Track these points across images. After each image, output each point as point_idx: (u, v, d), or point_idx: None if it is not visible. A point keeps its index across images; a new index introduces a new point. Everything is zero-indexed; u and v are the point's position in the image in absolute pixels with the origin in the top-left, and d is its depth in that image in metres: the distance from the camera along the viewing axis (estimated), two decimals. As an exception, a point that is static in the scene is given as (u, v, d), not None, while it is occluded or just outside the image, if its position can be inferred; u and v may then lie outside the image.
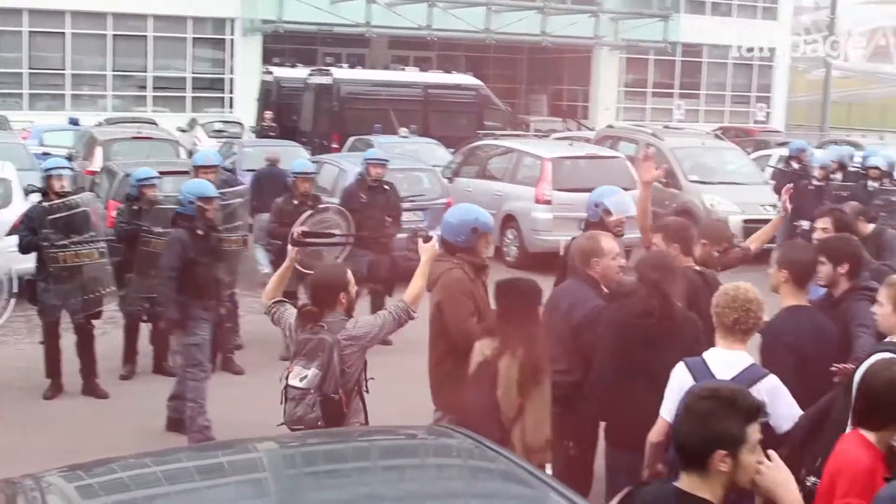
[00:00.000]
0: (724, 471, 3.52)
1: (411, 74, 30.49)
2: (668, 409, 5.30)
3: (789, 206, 8.75)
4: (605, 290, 6.66)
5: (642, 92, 46.88)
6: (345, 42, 41.58)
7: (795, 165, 16.44)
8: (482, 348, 5.99)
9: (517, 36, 41.06)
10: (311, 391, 5.93)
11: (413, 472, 4.26)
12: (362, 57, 39.37)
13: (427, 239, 6.40)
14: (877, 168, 14.86)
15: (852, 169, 16.24)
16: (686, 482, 3.58)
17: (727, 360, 5.26)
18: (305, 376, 5.96)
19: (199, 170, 11.36)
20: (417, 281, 6.33)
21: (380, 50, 42.65)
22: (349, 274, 6.41)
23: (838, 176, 15.70)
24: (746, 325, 5.29)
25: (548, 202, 17.05)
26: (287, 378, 6.06)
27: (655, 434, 5.40)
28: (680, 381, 5.26)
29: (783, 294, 6.11)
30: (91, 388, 10.33)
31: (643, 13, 42.94)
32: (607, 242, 6.79)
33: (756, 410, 3.60)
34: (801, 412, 5.17)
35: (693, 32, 44.21)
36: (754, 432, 3.57)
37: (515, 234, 17.61)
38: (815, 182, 15.14)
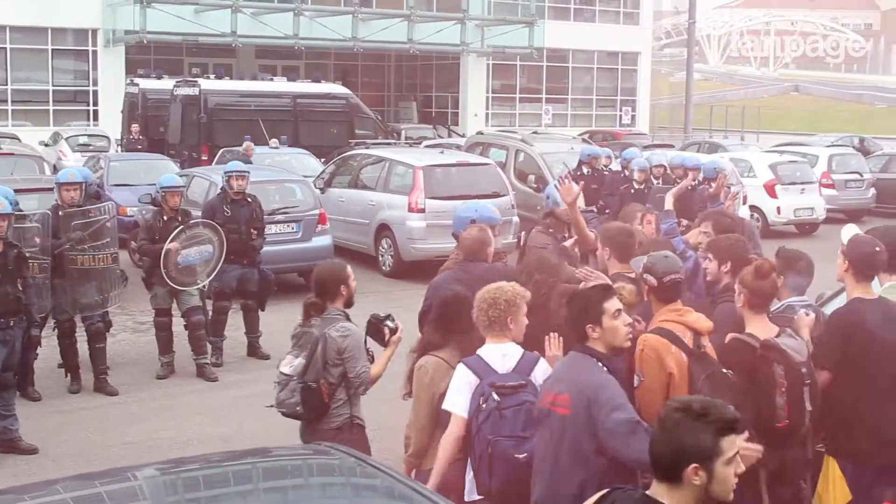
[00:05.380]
0: (698, 484, 3.49)
1: (280, 84, 30.30)
2: (451, 404, 5.62)
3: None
4: None
5: (511, 97, 47.46)
6: (211, 52, 41.16)
7: (586, 171, 17.51)
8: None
9: (384, 44, 41.16)
10: (294, 378, 6.44)
11: (295, 493, 4.24)
12: (229, 67, 38.99)
13: (394, 331, 6.64)
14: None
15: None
16: (656, 490, 3.58)
17: (502, 351, 5.63)
18: (294, 364, 6.49)
19: (62, 187, 11.08)
20: (380, 365, 6.66)
21: (247, 60, 42.33)
22: (349, 268, 6.81)
23: (659, 180, 16.26)
24: (499, 322, 5.65)
25: (421, 210, 17.13)
26: (279, 366, 6.62)
27: (449, 433, 5.60)
28: (464, 378, 5.59)
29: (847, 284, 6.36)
30: None
31: (508, 20, 43.44)
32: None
33: (730, 422, 3.53)
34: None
35: (558, 38, 44.94)
36: (730, 444, 3.51)
37: (390, 243, 17.65)
38: (635, 185, 15.67)
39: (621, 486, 3.80)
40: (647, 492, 3.62)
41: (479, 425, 5.45)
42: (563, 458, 5.06)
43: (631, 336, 5.29)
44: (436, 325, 6.20)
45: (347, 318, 6.55)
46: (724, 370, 5.65)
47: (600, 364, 5.11)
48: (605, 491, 3.75)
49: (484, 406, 5.44)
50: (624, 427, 4.82)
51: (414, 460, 6.06)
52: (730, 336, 5.86)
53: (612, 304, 5.22)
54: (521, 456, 5.35)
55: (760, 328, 5.83)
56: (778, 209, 23.27)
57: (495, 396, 5.43)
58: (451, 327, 6.08)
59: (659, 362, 5.58)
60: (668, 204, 8.67)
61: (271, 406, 6.62)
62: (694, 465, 3.46)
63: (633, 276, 6.66)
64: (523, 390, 5.47)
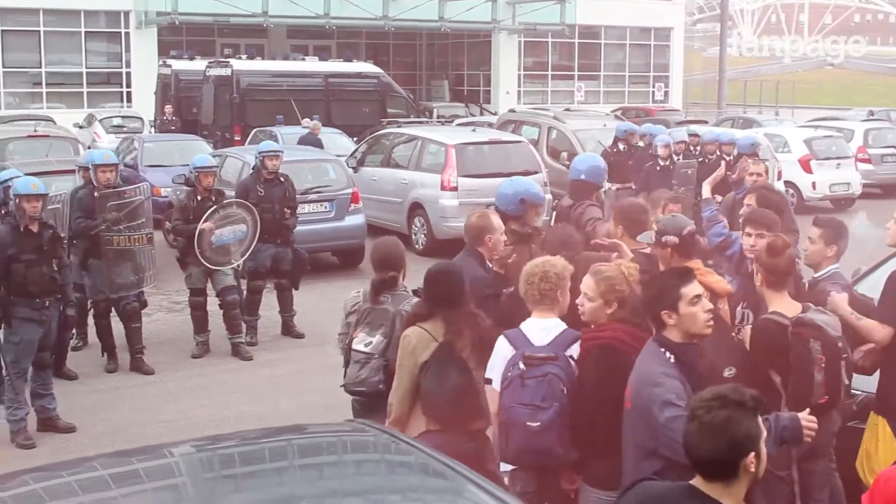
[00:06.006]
0: (752, 471, 3.51)
1: (311, 64, 30.33)
2: (493, 378, 5.66)
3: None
4: (490, 264, 7.11)
5: (542, 75, 47.27)
6: (243, 32, 41.20)
7: (622, 147, 17.33)
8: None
9: (416, 22, 41.05)
10: (376, 356, 6.33)
11: (330, 469, 4.25)
12: (261, 47, 38.97)
13: None
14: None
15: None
16: (707, 488, 3.53)
17: (543, 325, 5.66)
18: (371, 342, 6.36)
19: (97, 168, 11.15)
20: None
21: (278, 40, 42.32)
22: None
23: (679, 157, 16.18)
24: (550, 296, 5.67)
25: (454, 189, 17.12)
26: (351, 343, 6.46)
27: (490, 406, 5.67)
28: (502, 351, 5.65)
29: None
30: None
31: (540, -4, 43.22)
32: (496, 219, 7.23)
33: (759, 401, 3.56)
34: None
35: (590, 14, 44.63)
36: (762, 423, 3.58)
37: (423, 221, 17.65)
38: (660, 162, 15.59)
39: (651, 477, 3.78)
40: (692, 483, 3.56)
41: (501, 392, 5.54)
42: (628, 451, 5.05)
43: (711, 323, 5.03)
44: (424, 297, 6.14)
45: (415, 294, 6.45)
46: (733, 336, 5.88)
47: (667, 354, 4.94)
48: (633, 481, 3.72)
49: (509, 375, 5.52)
50: (678, 421, 4.54)
51: (395, 427, 5.92)
52: (759, 318, 5.85)
53: (691, 288, 4.97)
54: (534, 424, 5.40)
55: (784, 306, 5.80)
56: (813, 184, 23.08)
57: (521, 365, 5.48)
58: (435, 300, 6.00)
59: None
60: (706, 192, 8.56)
61: (342, 386, 6.51)
62: (752, 453, 3.48)
63: (647, 251, 6.66)
64: (550, 362, 5.48)
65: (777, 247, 5.90)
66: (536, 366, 5.48)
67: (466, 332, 5.90)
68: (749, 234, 6.90)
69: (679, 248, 6.14)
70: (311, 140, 21.10)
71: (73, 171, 13.30)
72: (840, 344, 5.59)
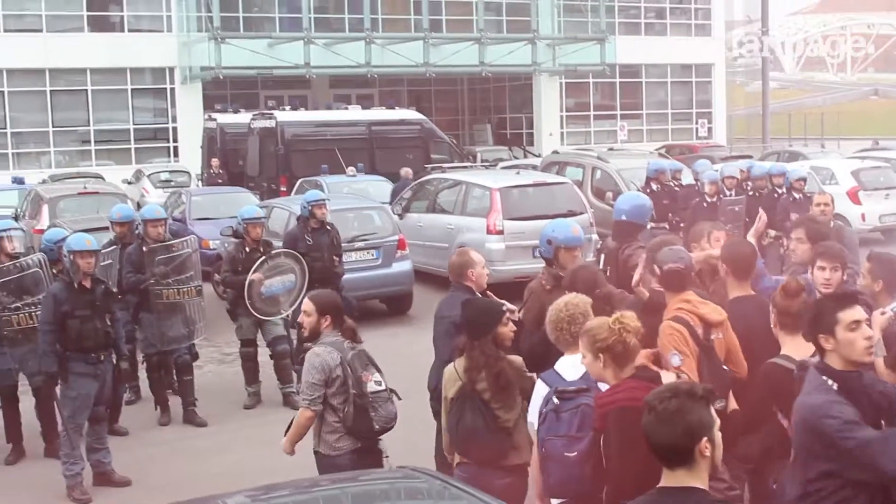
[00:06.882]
0: (708, 455, 3.74)
1: (354, 112, 30.51)
2: (533, 420, 5.77)
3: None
4: (479, 294, 7.49)
5: (585, 115, 47.31)
6: (286, 84, 41.64)
7: (655, 187, 16.67)
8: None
9: (456, 67, 41.32)
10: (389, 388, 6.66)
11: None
12: (304, 98, 39.42)
13: None
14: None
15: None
16: (673, 480, 3.77)
17: (573, 362, 5.72)
18: (380, 380, 6.60)
19: (148, 223, 11.31)
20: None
21: (321, 90, 42.75)
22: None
23: (732, 192, 15.98)
24: (573, 335, 5.76)
25: (500, 232, 17.11)
26: (365, 389, 6.54)
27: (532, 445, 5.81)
28: (540, 391, 5.76)
29: None
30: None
31: (579, 37, 43.38)
32: (475, 254, 7.75)
33: (710, 393, 3.86)
34: None
35: (630, 53, 44.74)
36: (714, 413, 3.84)
37: (470, 265, 17.60)
38: (707, 199, 15.42)
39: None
40: (660, 485, 3.81)
41: (539, 428, 5.62)
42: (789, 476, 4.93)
43: (872, 351, 4.82)
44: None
45: None
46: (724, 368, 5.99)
47: (829, 381, 4.72)
48: None
49: (544, 410, 5.59)
50: (871, 445, 4.41)
51: (447, 453, 6.64)
52: (767, 362, 5.85)
53: (849, 314, 4.76)
54: (571, 454, 5.43)
55: (796, 348, 5.73)
56: (863, 216, 22.82)
57: (555, 400, 5.55)
58: (466, 331, 6.44)
59: (686, 341, 5.82)
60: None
61: (380, 430, 6.68)
62: (704, 438, 3.73)
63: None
64: (583, 394, 5.53)
65: (791, 289, 5.89)
66: (570, 399, 5.55)
67: (485, 370, 6.18)
68: (823, 268, 6.79)
69: (659, 280, 6.35)
70: (404, 185, 21.69)
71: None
72: None
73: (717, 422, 3.80)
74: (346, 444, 6.59)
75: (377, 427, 6.56)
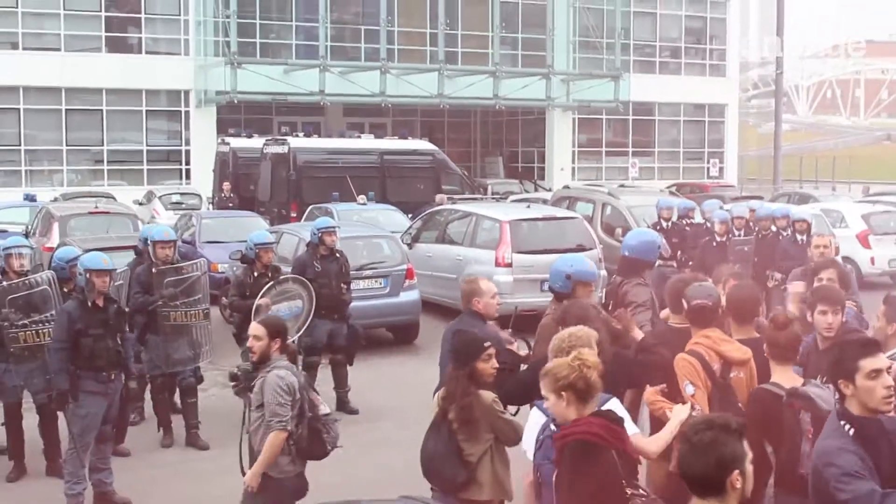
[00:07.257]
0: (739, 487, 3.82)
1: (367, 141, 30.61)
2: (527, 448, 5.83)
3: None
4: (488, 322, 7.75)
5: (597, 151, 47.39)
6: (299, 111, 41.81)
7: (665, 224, 17.05)
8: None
9: (470, 100, 41.45)
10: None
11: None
12: (317, 125, 39.53)
13: None
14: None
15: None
16: None
17: None
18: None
19: (157, 245, 11.32)
20: None
21: (335, 117, 42.90)
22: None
23: (741, 232, 16.07)
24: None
25: (508, 265, 17.11)
26: (319, 409, 6.97)
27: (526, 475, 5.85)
28: (535, 421, 5.81)
29: None
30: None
31: (594, 74, 43.55)
32: (485, 284, 7.88)
33: (744, 427, 3.93)
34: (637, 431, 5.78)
35: (643, 91, 44.86)
36: (747, 446, 3.91)
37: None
38: (717, 238, 15.50)
39: None
40: None
41: (535, 454, 5.65)
42: None
43: (892, 401, 4.75)
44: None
45: None
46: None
47: (847, 427, 4.70)
48: None
49: (541, 437, 5.61)
50: (858, 501, 4.42)
51: None
52: (756, 387, 6.02)
53: (870, 362, 4.72)
54: None
55: (785, 378, 5.86)
56: (872, 260, 22.79)
57: (552, 427, 5.50)
58: (451, 357, 6.63)
59: (697, 374, 5.97)
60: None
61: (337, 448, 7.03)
62: (736, 471, 3.81)
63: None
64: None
65: (780, 321, 6.02)
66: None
67: (457, 399, 6.29)
68: (824, 312, 6.64)
69: (686, 314, 6.49)
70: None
71: (132, 247, 13.49)
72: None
73: (750, 455, 3.87)
74: (295, 468, 6.80)
75: (329, 448, 6.84)
